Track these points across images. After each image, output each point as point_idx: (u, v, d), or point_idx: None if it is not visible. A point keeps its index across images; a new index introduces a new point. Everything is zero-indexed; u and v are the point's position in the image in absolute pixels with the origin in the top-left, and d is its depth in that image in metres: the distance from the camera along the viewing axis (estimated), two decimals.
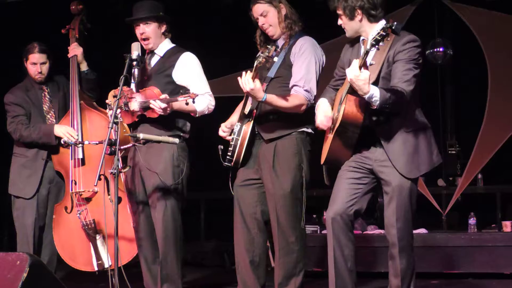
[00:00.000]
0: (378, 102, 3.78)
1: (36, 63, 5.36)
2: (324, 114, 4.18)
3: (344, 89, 4.09)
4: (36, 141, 5.27)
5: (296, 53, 4.59)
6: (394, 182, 3.97)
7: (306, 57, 4.56)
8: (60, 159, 5.30)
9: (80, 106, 5.31)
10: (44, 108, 5.41)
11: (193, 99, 4.45)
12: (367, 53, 3.76)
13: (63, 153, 5.29)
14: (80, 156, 5.21)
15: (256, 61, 4.42)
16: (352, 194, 4.07)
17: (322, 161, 4.28)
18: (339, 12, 4.11)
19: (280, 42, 4.69)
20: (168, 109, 4.63)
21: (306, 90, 4.51)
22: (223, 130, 4.75)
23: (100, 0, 7.65)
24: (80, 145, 5.11)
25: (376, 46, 3.70)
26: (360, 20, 4.07)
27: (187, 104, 4.54)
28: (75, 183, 5.18)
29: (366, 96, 3.77)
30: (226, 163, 4.68)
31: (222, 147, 4.68)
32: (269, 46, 4.46)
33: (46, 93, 5.45)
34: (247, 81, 4.33)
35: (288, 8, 4.65)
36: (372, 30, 4.04)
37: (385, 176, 4.01)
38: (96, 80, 5.44)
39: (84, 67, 5.39)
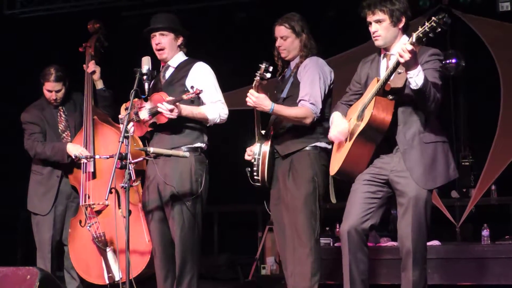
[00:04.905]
0: (422, 82, 3.71)
1: (52, 91, 5.47)
2: (337, 129, 4.18)
3: (363, 101, 4.09)
4: (49, 158, 5.35)
5: (302, 71, 4.75)
6: (411, 193, 3.95)
7: (310, 74, 4.70)
8: (75, 174, 5.37)
9: (93, 121, 5.38)
10: (60, 128, 5.51)
11: (198, 94, 4.50)
12: (420, 37, 3.63)
13: (77, 168, 5.34)
14: (91, 169, 5.27)
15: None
16: (368, 209, 4.06)
17: (333, 172, 4.27)
18: (380, 16, 4.00)
19: (293, 64, 4.86)
20: (176, 110, 4.59)
21: (311, 103, 4.64)
22: (248, 154, 4.87)
23: (113, 14, 7.73)
24: (92, 159, 5.19)
25: (431, 34, 3.58)
26: (400, 28, 4.03)
27: (192, 101, 4.57)
28: (88, 197, 5.23)
29: (413, 71, 3.70)
30: (255, 183, 4.82)
31: (249, 169, 4.84)
32: (260, 65, 4.61)
33: (61, 112, 5.55)
34: (250, 94, 4.53)
35: (308, 39, 4.79)
36: (398, 43, 4.01)
37: (401, 187, 4.00)
38: (112, 97, 5.50)
39: (100, 85, 5.46)
